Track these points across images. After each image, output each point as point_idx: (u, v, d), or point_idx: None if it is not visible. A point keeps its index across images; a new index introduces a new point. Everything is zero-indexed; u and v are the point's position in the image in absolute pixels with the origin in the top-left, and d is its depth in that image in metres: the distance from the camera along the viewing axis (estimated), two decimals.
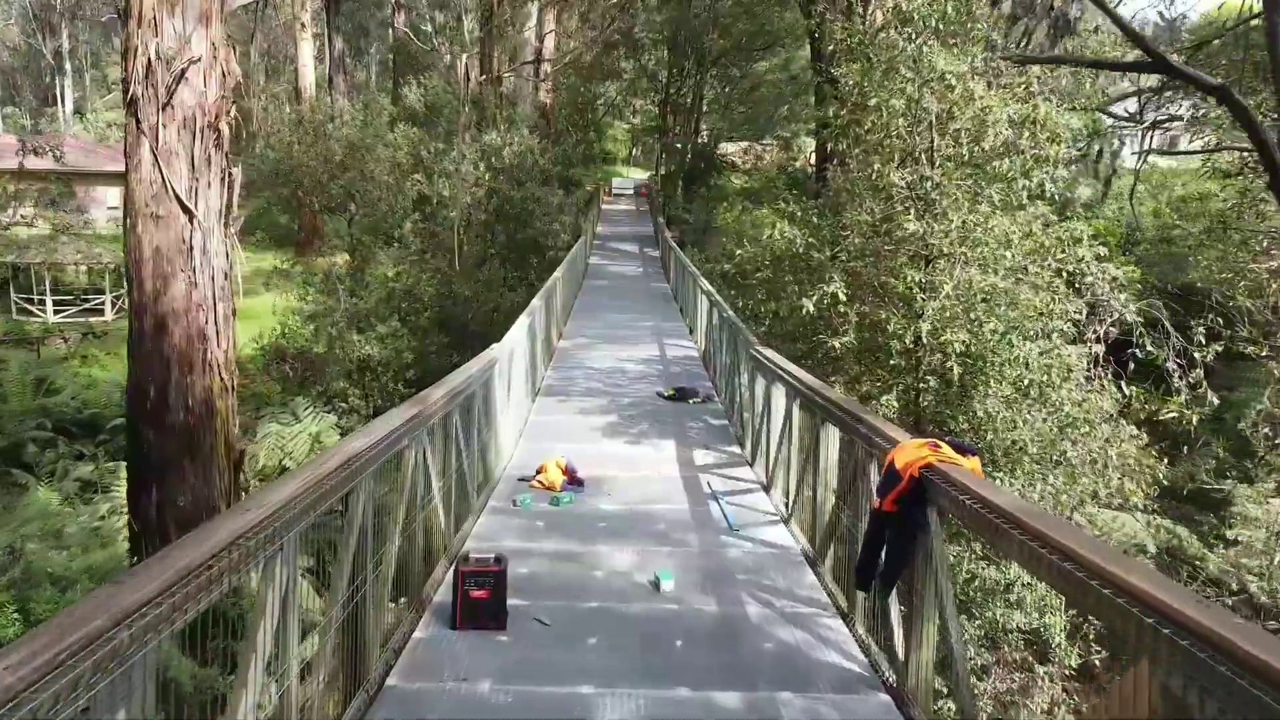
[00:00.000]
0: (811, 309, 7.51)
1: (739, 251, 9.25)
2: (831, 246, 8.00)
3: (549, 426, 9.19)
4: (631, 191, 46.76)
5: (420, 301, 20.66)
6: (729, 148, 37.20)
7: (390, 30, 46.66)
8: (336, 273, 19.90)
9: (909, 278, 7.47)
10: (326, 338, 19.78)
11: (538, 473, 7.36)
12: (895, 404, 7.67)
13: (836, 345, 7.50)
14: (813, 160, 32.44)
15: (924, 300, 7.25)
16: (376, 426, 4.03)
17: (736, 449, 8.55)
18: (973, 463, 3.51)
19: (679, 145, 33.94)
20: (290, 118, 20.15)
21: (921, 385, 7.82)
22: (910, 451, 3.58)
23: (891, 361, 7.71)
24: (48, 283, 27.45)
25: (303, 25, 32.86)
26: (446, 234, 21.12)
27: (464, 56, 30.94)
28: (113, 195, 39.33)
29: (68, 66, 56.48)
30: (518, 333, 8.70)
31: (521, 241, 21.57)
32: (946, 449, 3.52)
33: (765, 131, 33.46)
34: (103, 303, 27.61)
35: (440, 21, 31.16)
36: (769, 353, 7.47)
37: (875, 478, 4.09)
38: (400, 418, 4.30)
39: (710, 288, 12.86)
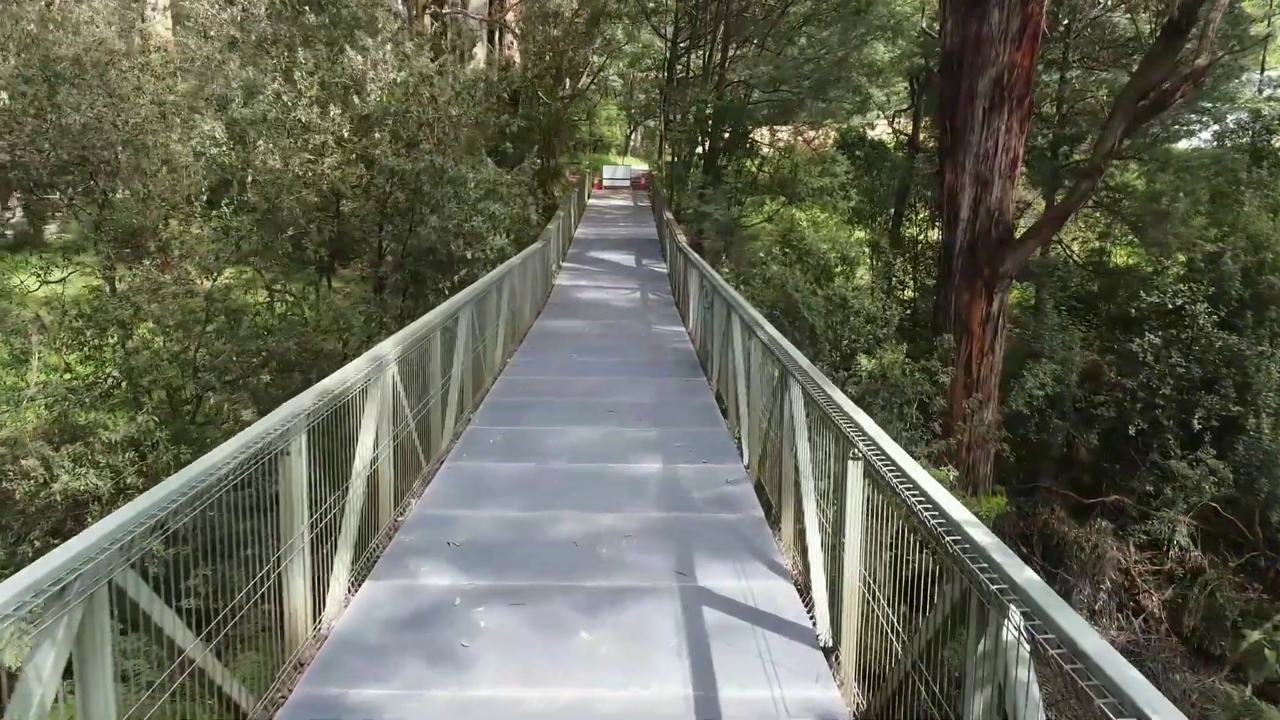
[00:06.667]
0: None
1: None
2: None
3: None
4: (627, 183, 38.14)
5: (220, 367, 10.72)
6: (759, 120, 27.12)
7: None
8: (35, 317, 10.01)
9: None
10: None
11: None
12: None
13: None
14: (897, 128, 22.44)
15: None
16: None
17: None
18: None
19: (695, 103, 23.80)
20: None
21: None
22: None
23: None
24: None
25: None
26: (271, 236, 11.29)
27: None
28: None
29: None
30: None
31: (413, 248, 11.66)
32: None
33: (820, 90, 23.22)
34: None
35: None
36: None
37: None
38: None
39: (902, 455, 3.06)
